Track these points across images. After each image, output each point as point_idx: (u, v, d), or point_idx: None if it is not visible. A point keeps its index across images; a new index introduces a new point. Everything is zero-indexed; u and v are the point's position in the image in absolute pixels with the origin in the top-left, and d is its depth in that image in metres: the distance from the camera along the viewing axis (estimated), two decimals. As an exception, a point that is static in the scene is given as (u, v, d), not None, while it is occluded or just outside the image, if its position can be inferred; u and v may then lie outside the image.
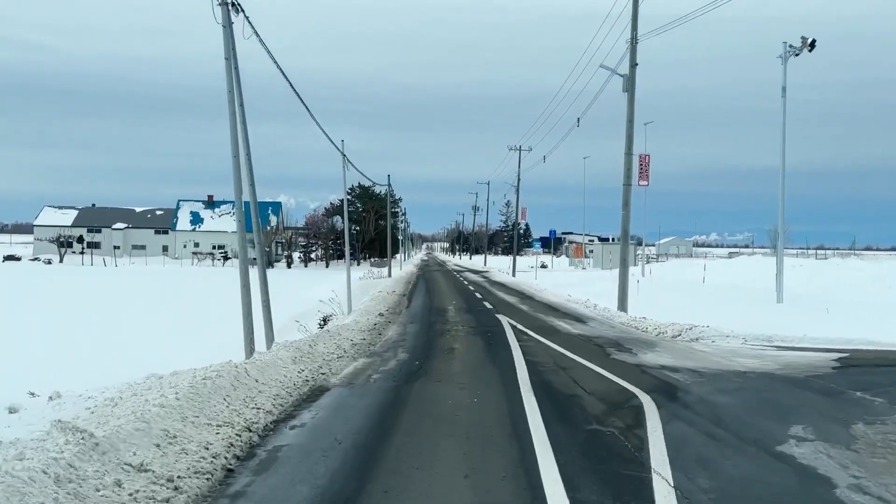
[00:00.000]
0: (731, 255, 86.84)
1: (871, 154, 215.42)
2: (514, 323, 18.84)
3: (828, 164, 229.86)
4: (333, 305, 27.48)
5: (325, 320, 25.61)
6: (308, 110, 20.46)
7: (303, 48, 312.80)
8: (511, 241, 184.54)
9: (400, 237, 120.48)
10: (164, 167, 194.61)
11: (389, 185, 46.03)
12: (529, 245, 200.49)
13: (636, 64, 23.19)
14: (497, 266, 73.72)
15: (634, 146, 23.52)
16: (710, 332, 16.08)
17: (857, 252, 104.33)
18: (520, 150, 51.53)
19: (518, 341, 14.98)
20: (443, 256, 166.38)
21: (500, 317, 20.68)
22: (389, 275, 44.69)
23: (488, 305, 24.94)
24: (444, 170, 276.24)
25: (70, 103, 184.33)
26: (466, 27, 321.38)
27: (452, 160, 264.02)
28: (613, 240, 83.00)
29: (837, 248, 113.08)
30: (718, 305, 24.82)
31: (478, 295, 30.68)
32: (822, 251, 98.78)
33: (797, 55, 26.24)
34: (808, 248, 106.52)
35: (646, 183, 23.91)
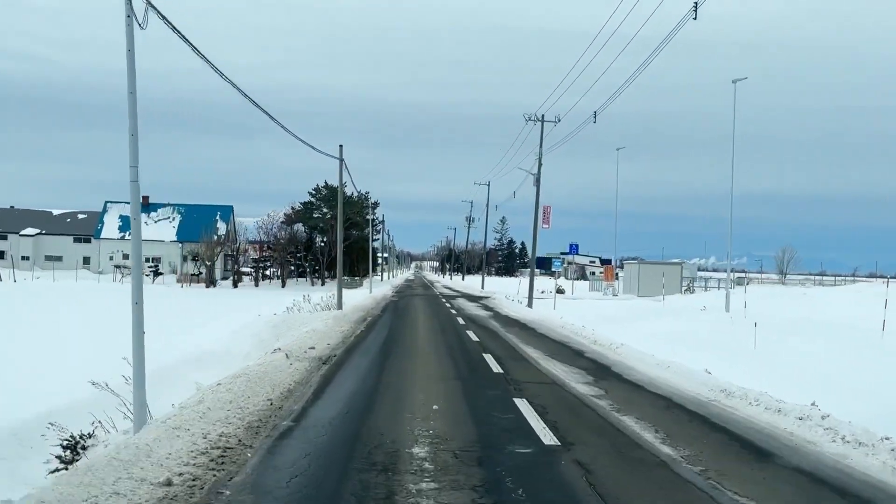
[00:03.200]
0: (739, 281, 72.79)
1: (854, 182, 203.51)
2: None
3: (816, 190, 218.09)
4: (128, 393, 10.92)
5: (72, 451, 9.22)
6: None
7: (299, 62, 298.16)
8: (507, 260, 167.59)
9: (380, 253, 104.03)
10: (94, 172, 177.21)
11: (341, 159, 29.21)
12: (525, 265, 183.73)
13: None
14: (498, 289, 57.23)
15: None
16: None
17: (865, 279, 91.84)
18: (542, 120, 35.33)
19: None
20: (432, 276, 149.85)
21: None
22: (339, 306, 28.23)
23: (544, 433, 8.28)
24: (436, 189, 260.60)
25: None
26: (460, 46, 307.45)
27: (445, 180, 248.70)
28: (614, 261, 66.83)
29: (838, 275, 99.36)
30: None
31: (492, 363, 14.08)
32: (831, 278, 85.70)
33: None
34: (811, 275, 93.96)
35: None
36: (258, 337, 20.99)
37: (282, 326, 22.04)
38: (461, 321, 24.93)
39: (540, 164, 35.58)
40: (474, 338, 18.82)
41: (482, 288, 61.28)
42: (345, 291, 52.96)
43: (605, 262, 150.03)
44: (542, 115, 35.49)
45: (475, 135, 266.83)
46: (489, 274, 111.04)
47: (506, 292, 51.86)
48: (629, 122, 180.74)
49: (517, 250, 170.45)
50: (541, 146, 35.53)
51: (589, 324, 23.91)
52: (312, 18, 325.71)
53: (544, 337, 19.99)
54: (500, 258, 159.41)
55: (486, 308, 34.37)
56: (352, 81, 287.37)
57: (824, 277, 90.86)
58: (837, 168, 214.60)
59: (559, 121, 35.08)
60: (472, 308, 33.96)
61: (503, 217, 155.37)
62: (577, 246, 52.16)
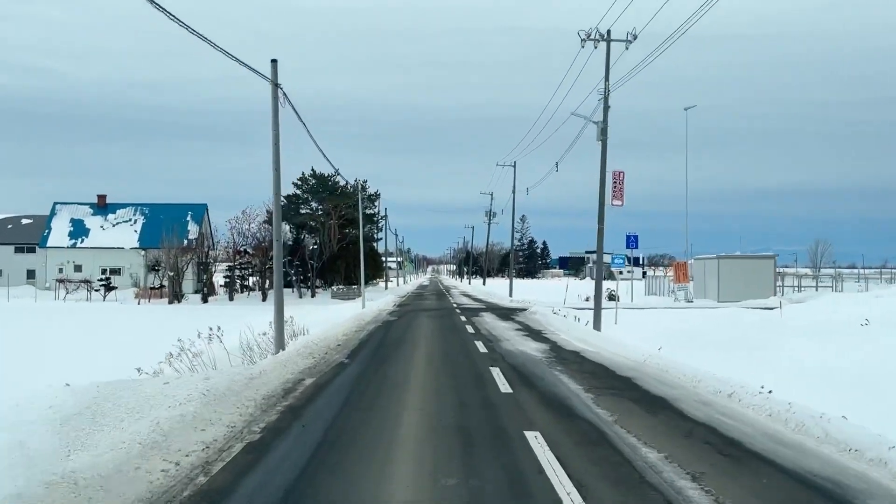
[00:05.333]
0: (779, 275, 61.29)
1: (870, 173, 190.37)
2: None
3: (831, 183, 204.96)
4: None
5: None
6: None
7: (308, 69, 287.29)
8: (528, 260, 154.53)
9: (393, 256, 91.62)
10: (42, 176, 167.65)
11: (276, 83, 16.44)
12: (548, 266, 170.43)
13: None
14: (532, 296, 44.62)
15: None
16: None
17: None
18: (608, 39, 22.80)
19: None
20: (448, 280, 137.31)
21: None
22: (279, 345, 15.75)
23: None
24: (452, 193, 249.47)
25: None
26: (475, 48, 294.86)
27: (461, 183, 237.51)
28: (651, 258, 53.10)
29: (870, 268, 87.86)
30: None
31: None
32: (863, 271, 74.12)
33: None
34: (840, 268, 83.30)
35: None
36: (22, 451, 8.62)
37: (86, 417, 9.60)
38: (500, 378, 12.39)
39: (606, 107, 23.05)
40: (566, 485, 6.25)
41: (511, 296, 48.58)
42: (331, 306, 40.33)
43: (634, 260, 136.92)
44: (608, 32, 22.96)
45: (492, 137, 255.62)
46: (507, 276, 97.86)
47: (543, 301, 39.32)
48: (635, 119, 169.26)
49: (538, 250, 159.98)
50: (607, 79, 22.99)
51: (695, 353, 12.91)
52: (320, 24, 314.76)
53: (730, 445, 7.45)
54: (520, 259, 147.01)
55: (532, 333, 21.74)
56: (361, 85, 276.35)
57: (867, 270, 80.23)
58: (853, 160, 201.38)
59: (634, 38, 22.56)
60: (510, 334, 21.39)
61: (523, 215, 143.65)
62: (636, 238, 39.35)
